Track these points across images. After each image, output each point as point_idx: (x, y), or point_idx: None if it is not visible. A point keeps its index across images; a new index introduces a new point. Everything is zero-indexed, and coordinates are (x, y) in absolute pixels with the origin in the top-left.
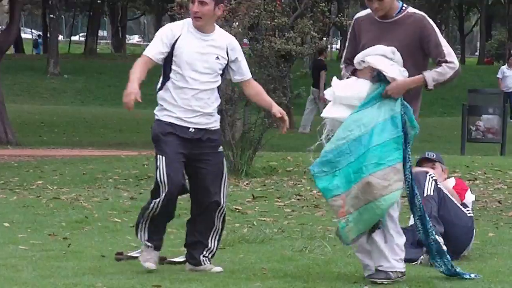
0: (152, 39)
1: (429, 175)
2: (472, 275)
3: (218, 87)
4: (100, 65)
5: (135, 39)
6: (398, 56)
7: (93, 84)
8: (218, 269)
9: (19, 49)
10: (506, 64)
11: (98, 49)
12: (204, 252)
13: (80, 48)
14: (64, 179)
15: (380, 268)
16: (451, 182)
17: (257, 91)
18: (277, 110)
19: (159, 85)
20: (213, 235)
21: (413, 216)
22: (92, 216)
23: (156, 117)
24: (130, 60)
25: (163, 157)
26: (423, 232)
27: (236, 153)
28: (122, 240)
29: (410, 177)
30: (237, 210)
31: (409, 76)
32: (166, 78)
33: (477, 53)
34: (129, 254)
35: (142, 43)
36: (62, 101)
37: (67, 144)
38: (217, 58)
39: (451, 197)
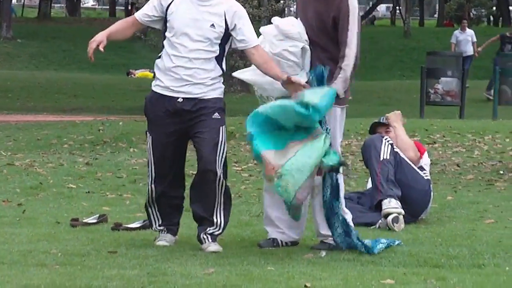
0: (106, 3)
1: (385, 139)
2: (396, 242)
3: (219, 57)
4: (54, 29)
5: (89, 2)
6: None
7: (47, 48)
8: (213, 248)
9: None
10: (459, 28)
11: (52, 13)
12: (208, 229)
13: (34, 12)
14: (18, 145)
15: (326, 241)
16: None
17: (265, 59)
18: (288, 76)
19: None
20: (216, 210)
21: (323, 190)
22: (47, 182)
23: (152, 87)
24: (85, 24)
25: (151, 137)
26: (330, 213)
27: None
28: (77, 207)
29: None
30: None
31: (327, 52)
32: (162, 46)
33: (436, 15)
34: (84, 221)
35: (96, 7)
36: (16, 66)
37: (21, 110)
38: (212, 26)
39: (407, 160)
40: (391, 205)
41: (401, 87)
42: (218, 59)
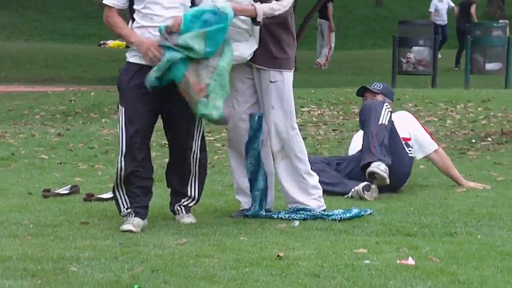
0: None
1: (386, 105)
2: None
3: None
4: None
5: None
6: None
7: (18, 18)
8: (188, 220)
9: None
10: None
11: None
12: (182, 201)
13: None
14: None
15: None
16: (401, 111)
17: None
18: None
19: None
20: (190, 182)
21: (245, 158)
22: (18, 153)
23: (126, 59)
24: None
25: (123, 110)
26: (253, 178)
27: None
28: (49, 177)
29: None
30: (166, 145)
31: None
32: (132, 19)
33: None
34: (56, 192)
35: None
36: None
37: None
38: None
39: (399, 134)
40: (381, 168)
41: (373, 57)
42: None
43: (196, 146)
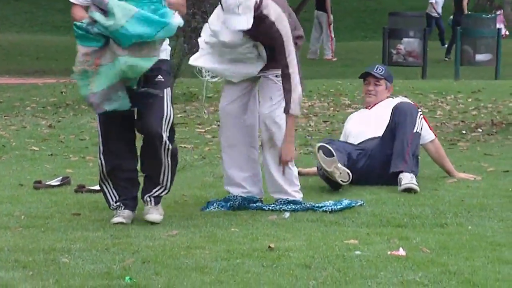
0: None
1: (420, 112)
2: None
3: None
4: None
5: None
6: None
7: (9, 10)
8: (152, 217)
9: None
10: None
11: None
12: (153, 191)
13: None
14: None
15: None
16: (404, 99)
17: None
18: None
19: None
20: (163, 173)
21: None
22: (9, 145)
23: None
24: None
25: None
26: None
27: None
28: (41, 169)
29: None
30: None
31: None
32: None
33: None
34: (47, 183)
35: None
36: None
37: None
38: None
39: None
40: (414, 182)
41: (364, 48)
42: None
43: (165, 137)
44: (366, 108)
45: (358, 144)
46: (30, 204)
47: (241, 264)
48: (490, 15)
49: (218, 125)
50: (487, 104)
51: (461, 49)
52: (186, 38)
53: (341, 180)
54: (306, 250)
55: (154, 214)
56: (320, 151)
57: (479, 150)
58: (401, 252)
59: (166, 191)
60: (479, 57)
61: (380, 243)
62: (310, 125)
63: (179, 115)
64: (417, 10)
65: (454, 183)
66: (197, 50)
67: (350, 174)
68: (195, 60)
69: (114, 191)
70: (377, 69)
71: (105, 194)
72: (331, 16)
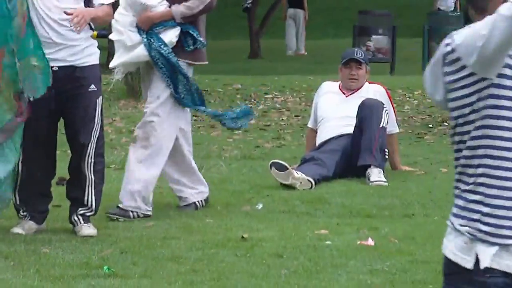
0: None
1: (385, 107)
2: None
3: None
4: None
5: None
6: None
7: None
8: (86, 231)
9: None
10: None
11: None
12: (80, 210)
13: None
14: None
15: (121, 206)
16: (378, 88)
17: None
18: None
19: None
20: (88, 189)
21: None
22: None
23: None
24: None
25: None
26: None
27: (134, 75)
28: None
29: None
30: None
31: None
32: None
33: None
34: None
35: None
36: None
37: None
38: None
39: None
40: (382, 178)
41: (334, 46)
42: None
43: (90, 148)
44: (343, 93)
45: (330, 140)
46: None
47: (215, 254)
48: (456, 13)
49: (194, 120)
50: None
51: (429, 45)
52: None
53: (303, 189)
54: (278, 240)
55: (88, 229)
56: (273, 168)
57: (445, 143)
58: (370, 242)
59: (92, 212)
60: None
61: (350, 233)
62: (282, 119)
63: None
64: (387, 9)
65: (422, 176)
66: None
67: (312, 180)
68: (117, 59)
69: (22, 201)
70: (357, 53)
71: (15, 202)
72: (307, 14)
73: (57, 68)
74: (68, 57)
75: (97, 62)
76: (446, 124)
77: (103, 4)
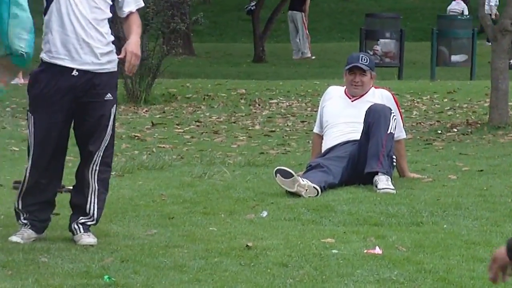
0: None
1: (393, 113)
2: None
3: (110, 20)
4: None
5: None
6: None
7: None
8: (86, 240)
9: None
10: None
11: None
12: (80, 218)
13: None
14: None
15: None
16: (385, 92)
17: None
18: (125, 48)
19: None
20: (90, 197)
21: None
22: None
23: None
24: None
25: (33, 118)
26: None
27: (134, 80)
28: (20, 169)
29: None
30: (136, 137)
31: None
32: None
33: None
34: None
35: None
36: None
37: None
38: None
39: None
40: (389, 186)
41: (341, 49)
42: (109, 23)
43: (97, 156)
44: (349, 98)
45: (337, 146)
46: (10, 204)
47: (219, 263)
48: (465, 17)
49: (197, 125)
50: (462, 104)
51: (437, 50)
52: (165, 39)
53: (309, 196)
54: (284, 249)
55: (87, 238)
56: (278, 175)
57: (454, 150)
58: (377, 250)
59: (93, 221)
60: (455, 58)
61: (357, 241)
62: (288, 125)
63: (157, 116)
64: (394, 11)
65: (430, 183)
66: (176, 51)
67: (318, 187)
68: None
69: (25, 208)
70: (362, 59)
71: (17, 207)
72: (307, 16)
73: (76, 73)
74: (88, 61)
75: (115, 69)
76: (455, 130)
77: (131, 11)
